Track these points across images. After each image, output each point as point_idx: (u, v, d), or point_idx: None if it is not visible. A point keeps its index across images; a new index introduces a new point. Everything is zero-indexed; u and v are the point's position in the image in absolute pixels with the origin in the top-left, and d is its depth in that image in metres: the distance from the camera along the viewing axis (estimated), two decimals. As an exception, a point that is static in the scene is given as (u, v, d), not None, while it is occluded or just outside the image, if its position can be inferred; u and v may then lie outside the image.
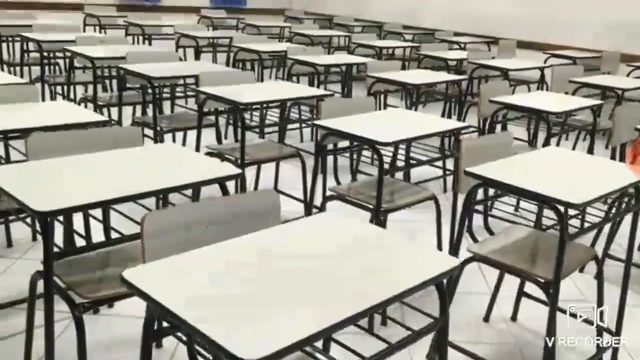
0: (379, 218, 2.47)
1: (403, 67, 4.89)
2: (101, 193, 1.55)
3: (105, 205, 1.54)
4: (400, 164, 3.71)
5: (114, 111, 4.48)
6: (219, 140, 3.58)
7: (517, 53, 6.60)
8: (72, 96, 4.46)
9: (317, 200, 2.86)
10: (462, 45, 6.78)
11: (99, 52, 3.99)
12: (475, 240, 2.20)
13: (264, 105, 3.95)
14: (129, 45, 4.74)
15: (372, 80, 3.97)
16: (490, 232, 2.36)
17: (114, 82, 4.56)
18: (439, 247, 2.79)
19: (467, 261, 2.07)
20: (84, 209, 1.65)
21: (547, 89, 5.44)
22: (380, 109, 4.23)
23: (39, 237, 2.87)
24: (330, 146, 2.87)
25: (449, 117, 4.98)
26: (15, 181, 1.59)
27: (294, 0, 9.64)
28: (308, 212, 3.00)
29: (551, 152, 2.48)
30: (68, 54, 4.21)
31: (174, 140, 4.09)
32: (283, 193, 3.47)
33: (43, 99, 4.32)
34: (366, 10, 8.68)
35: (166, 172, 1.79)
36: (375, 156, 2.74)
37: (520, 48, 6.67)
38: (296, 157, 3.23)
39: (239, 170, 1.79)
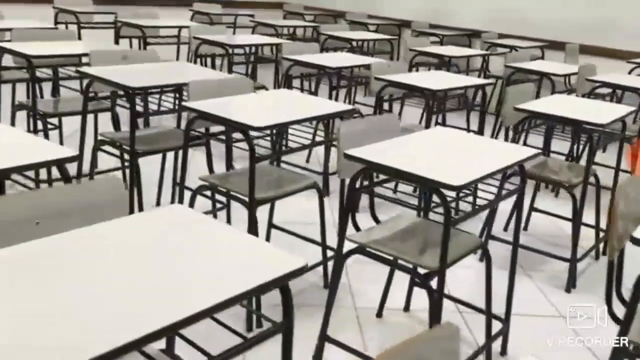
0: (252, 211, 2.19)
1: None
2: None
3: None
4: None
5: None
6: (115, 127, 3.20)
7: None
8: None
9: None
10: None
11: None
12: (358, 229, 2.01)
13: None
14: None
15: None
16: (377, 220, 2.15)
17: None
18: (323, 240, 2.58)
19: (350, 253, 1.92)
20: None
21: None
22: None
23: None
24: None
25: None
26: None
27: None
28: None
29: (438, 133, 2.27)
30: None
31: (60, 129, 3.66)
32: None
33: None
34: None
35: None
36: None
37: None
38: (202, 145, 2.85)
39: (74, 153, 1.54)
